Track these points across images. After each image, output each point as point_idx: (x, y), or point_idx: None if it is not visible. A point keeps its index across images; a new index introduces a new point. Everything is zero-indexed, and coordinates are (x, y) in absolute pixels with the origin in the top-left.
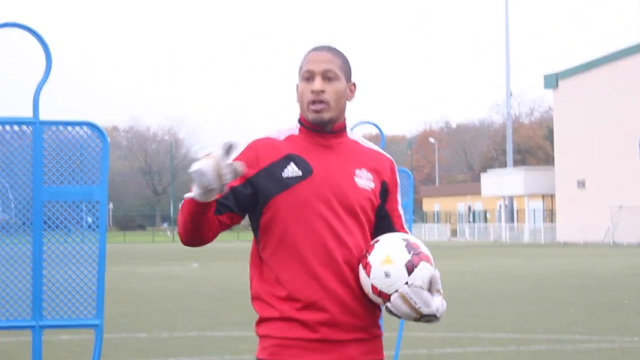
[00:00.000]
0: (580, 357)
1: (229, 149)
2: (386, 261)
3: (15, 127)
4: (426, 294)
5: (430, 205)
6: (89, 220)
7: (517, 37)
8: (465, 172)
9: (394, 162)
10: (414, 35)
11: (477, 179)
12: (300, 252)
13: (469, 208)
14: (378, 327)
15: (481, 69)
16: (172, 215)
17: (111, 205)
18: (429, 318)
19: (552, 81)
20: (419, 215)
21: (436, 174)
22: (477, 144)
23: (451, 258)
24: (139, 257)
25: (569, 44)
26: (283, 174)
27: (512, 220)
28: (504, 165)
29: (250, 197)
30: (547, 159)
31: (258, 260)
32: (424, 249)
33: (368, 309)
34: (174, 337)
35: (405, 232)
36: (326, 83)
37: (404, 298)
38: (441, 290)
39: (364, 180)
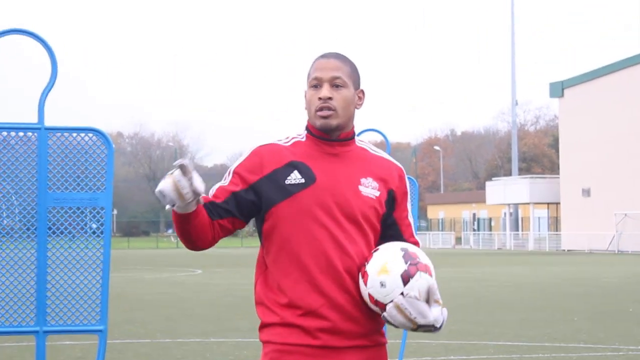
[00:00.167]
0: None
1: (183, 168)
2: (382, 271)
3: (20, 133)
4: (422, 304)
5: (435, 212)
6: (93, 226)
7: (521, 44)
8: (470, 180)
9: (404, 170)
10: (420, 43)
11: (482, 187)
12: (301, 260)
13: (474, 216)
14: (381, 334)
15: (487, 77)
16: None
17: (115, 211)
18: (428, 328)
19: (558, 90)
20: (424, 222)
21: (441, 181)
22: (482, 152)
23: (455, 265)
24: (143, 263)
25: (569, 44)
26: (286, 181)
27: (517, 229)
28: (509, 173)
29: (252, 203)
30: (553, 167)
31: (263, 266)
32: (423, 259)
33: (370, 316)
34: (177, 343)
35: (415, 241)
36: (334, 90)
37: (399, 308)
38: (440, 301)
39: (369, 188)
